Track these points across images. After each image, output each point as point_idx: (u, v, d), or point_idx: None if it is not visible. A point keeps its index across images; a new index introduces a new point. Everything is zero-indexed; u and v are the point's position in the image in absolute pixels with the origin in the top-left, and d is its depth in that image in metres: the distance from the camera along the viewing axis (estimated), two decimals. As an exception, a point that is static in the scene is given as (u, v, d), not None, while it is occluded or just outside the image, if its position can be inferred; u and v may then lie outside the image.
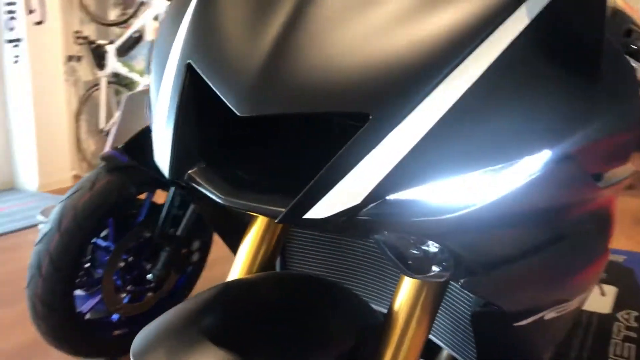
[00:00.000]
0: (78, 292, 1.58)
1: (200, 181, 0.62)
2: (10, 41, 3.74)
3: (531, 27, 0.55)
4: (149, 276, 1.62)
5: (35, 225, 2.90)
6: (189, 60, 0.63)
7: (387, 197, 0.54)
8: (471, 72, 0.53)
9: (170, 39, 0.68)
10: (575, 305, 0.77)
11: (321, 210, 0.53)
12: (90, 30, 4.25)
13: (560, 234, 0.65)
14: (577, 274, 0.73)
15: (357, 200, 0.53)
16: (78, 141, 4.20)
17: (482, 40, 0.54)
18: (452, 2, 0.56)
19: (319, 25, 0.57)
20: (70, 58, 4.10)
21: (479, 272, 0.61)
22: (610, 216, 0.75)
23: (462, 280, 0.61)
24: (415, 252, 0.61)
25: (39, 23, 3.72)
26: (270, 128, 0.68)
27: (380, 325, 0.72)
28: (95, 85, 4.13)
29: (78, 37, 4.14)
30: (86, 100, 4.19)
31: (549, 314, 0.73)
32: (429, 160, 0.53)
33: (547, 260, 0.65)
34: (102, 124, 4.13)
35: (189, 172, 0.63)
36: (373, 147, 0.52)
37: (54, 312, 1.45)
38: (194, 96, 0.61)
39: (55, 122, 3.90)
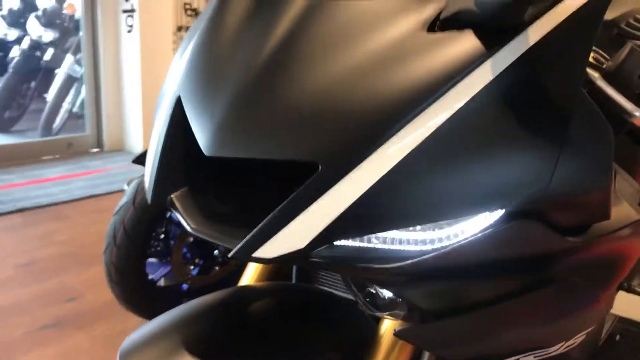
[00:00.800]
0: (152, 260, 1.69)
1: (178, 207, 0.63)
2: (125, 11, 3.97)
3: (495, 84, 0.51)
4: (216, 252, 1.69)
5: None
6: (179, 94, 0.65)
7: (335, 243, 0.54)
8: (424, 128, 0.51)
9: (175, 69, 0.69)
10: (560, 351, 0.71)
11: (269, 250, 0.53)
12: (199, 3, 4.41)
13: (529, 284, 0.61)
14: (552, 323, 0.67)
15: (302, 244, 0.53)
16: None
17: (440, 96, 0.51)
18: (415, 56, 0.54)
19: (280, 76, 0.57)
20: (179, 29, 4.29)
21: (430, 318, 0.58)
22: (611, 265, 0.68)
23: (396, 330, 0.59)
24: (373, 291, 0.60)
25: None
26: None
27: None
28: (201, 55, 4.30)
29: (187, 9, 4.32)
30: (192, 70, 4.37)
31: (525, 358, 0.69)
32: (375, 211, 0.51)
33: (511, 309, 0.61)
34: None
35: (171, 196, 0.65)
36: (320, 195, 0.52)
37: (127, 278, 1.56)
38: (183, 126, 0.63)
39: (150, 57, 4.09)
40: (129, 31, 3.98)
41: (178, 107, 0.65)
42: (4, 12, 4.97)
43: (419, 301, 0.59)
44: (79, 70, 4.39)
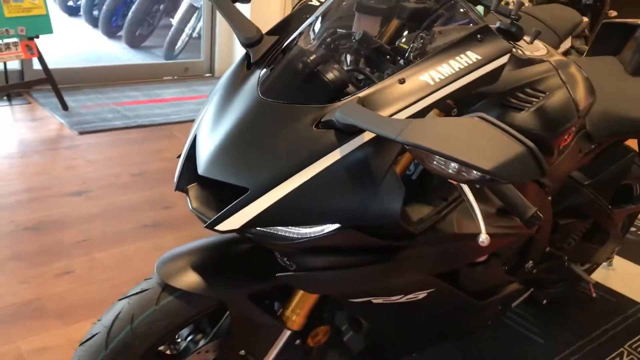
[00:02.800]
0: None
1: (189, 194, 1.11)
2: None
3: (342, 158, 0.98)
4: None
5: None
6: (196, 132, 1.13)
7: (257, 228, 1.01)
8: (301, 179, 0.97)
9: (201, 114, 1.16)
10: (404, 300, 1.17)
11: (222, 226, 0.99)
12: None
13: (366, 260, 1.06)
14: (384, 284, 1.14)
15: (238, 225, 0.98)
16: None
17: (314, 161, 0.98)
18: (306, 139, 1.00)
19: (235, 143, 1.04)
20: (290, -31, 4.66)
21: (309, 271, 1.07)
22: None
23: (278, 274, 1.09)
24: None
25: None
26: None
27: None
28: None
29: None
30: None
31: (376, 300, 1.17)
32: (275, 216, 0.97)
33: (353, 273, 1.07)
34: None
35: (187, 187, 1.13)
36: (248, 204, 0.97)
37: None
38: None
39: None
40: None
41: (195, 139, 1.13)
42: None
43: (298, 262, 1.07)
44: (200, 0, 4.95)
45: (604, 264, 2.43)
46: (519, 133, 0.80)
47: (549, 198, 1.53)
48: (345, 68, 1.16)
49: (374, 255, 1.06)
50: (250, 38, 1.16)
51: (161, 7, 5.45)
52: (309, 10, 1.30)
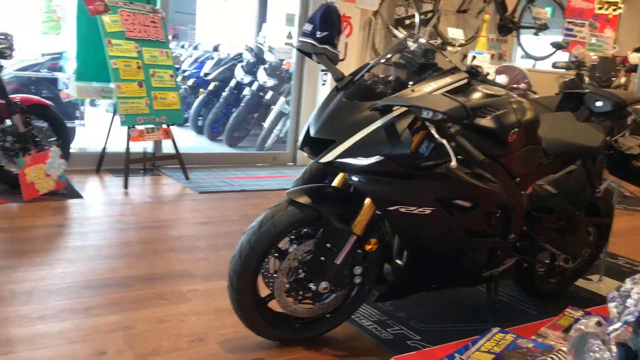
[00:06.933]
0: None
1: (306, 151, 2.13)
2: (322, 70, 5.72)
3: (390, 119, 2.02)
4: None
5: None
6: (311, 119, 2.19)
7: (338, 160, 2.00)
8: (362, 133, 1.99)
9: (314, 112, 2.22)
10: (417, 211, 2.08)
11: (322, 160, 1.99)
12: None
13: (407, 174, 2.02)
14: (410, 194, 2.07)
15: (329, 159, 1.99)
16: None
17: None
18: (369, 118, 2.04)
19: (332, 115, 2.10)
20: (359, 84, 5.93)
21: (367, 181, 2.03)
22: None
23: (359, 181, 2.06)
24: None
25: (341, 60, 5.61)
26: None
27: None
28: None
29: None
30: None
31: (401, 209, 2.06)
32: (349, 154, 1.97)
33: (397, 183, 2.02)
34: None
35: (304, 147, 2.14)
36: (335, 148, 1.99)
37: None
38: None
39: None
40: (323, 84, 5.72)
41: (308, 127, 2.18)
42: (244, 63, 7.09)
43: (359, 179, 2.04)
44: (288, 108, 6.25)
45: (596, 279, 3.19)
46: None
47: (522, 192, 2.43)
48: (384, 87, 2.20)
49: (399, 176, 2.02)
50: (338, 77, 2.23)
51: (255, 115, 6.81)
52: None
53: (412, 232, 2.18)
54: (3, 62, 3.92)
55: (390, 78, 2.25)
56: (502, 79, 4.95)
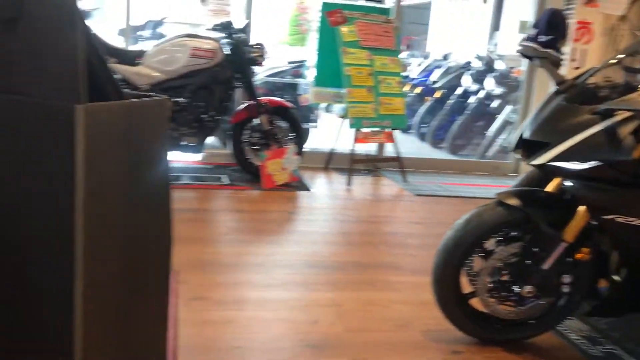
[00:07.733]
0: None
1: (518, 152, 2.12)
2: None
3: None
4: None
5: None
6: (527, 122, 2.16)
7: (550, 163, 1.95)
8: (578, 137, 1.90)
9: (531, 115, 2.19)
10: (636, 222, 1.92)
11: (534, 162, 1.97)
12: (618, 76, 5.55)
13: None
14: (623, 206, 1.93)
15: (542, 162, 1.95)
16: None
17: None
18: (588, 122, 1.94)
19: (550, 119, 2.03)
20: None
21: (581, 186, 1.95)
22: None
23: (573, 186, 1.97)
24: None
25: (576, 68, 5.30)
26: None
27: None
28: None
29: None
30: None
31: (618, 219, 1.94)
32: (563, 157, 1.92)
33: (608, 192, 1.91)
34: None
35: (518, 150, 2.14)
36: (549, 151, 1.95)
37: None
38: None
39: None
40: (554, 93, 5.46)
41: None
42: (472, 71, 7.07)
43: (577, 183, 1.96)
44: (514, 117, 6.08)
45: None
46: None
47: None
48: (610, 91, 2.10)
49: (618, 183, 1.91)
50: (559, 81, 2.19)
51: (479, 123, 6.75)
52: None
53: (630, 245, 2.05)
54: (256, 68, 4.55)
55: (618, 82, 2.14)
56: None
